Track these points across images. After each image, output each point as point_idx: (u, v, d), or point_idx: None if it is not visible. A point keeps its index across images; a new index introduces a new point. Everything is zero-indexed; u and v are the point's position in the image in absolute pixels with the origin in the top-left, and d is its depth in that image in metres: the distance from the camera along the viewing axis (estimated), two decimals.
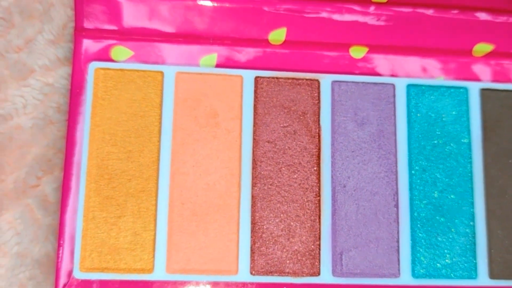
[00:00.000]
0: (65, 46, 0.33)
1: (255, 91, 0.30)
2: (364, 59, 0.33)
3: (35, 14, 0.33)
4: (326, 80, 0.31)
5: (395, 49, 0.33)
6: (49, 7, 0.33)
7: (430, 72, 0.33)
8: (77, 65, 0.31)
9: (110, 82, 0.30)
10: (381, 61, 0.33)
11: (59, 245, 0.29)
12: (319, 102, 0.30)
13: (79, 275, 0.28)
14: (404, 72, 0.33)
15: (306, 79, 0.31)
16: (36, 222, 0.32)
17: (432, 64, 0.33)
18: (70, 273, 0.29)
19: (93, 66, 0.30)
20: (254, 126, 0.30)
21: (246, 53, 0.32)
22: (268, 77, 0.30)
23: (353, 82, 0.31)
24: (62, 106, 0.33)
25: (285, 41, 0.32)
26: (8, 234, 0.32)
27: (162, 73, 0.30)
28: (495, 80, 0.32)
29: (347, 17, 0.32)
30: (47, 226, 0.32)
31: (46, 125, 0.32)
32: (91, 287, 0.28)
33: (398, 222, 0.30)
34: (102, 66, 0.30)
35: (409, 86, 0.31)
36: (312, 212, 0.29)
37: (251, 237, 0.29)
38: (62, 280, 0.29)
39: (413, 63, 0.33)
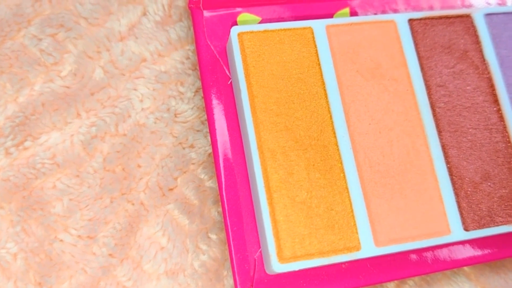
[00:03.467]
0: (176, 26, 0.29)
1: (413, 35, 0.27)
2: None
3: None
4: (478, 14, 0.28)
5: None
6: None
7: None
8: (201, 42, 0.27)
9: (257, 46, 0.26)
10: None
11: (230, 245, 0.25)
12: (477, 38, 0.28)
13: (279, 268, 0.23)
14: None
15: (458, 16, 0.28)
16: (182, 230, 0.27)
17: None
18: (249, 274, 0.24)
19: (236, 30, 0.26)
20: (421, 71, 0.27)
21: (377, 3, 0.29)
22: (421, 18, 0.28)
23: (504, 13, 0.29)
24: (184, 94, 0.28)
25: None
26: (151, 252, 0.26)
27: (311, 28, 0.26)
28: None
29: None
30: (195, 232, 0.27)
31: (171, 118, 0.28)
32: (289, 279, 0.24)
33: None
34: (245, 30, 0.26)
35: None
36: (504, 153, 0.26)
37: (455, 191, 0.25)
38: (244, 284, 0.24)
39: None
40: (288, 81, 0.25)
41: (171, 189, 0.27)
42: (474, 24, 0.28)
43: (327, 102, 0.25)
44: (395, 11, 0.29)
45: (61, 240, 0.26)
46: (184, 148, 0.28)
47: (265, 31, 0.26)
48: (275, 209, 0.24)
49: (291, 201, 0.24)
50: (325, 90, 0.26)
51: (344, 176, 0.25)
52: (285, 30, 0.26)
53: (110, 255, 0.26)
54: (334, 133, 0.25)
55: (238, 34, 0.26)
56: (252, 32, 0.26)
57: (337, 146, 0.25)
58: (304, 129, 0.25)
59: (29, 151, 0.27)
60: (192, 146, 0.28)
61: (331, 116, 0.25)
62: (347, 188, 0.24)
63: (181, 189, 0.27)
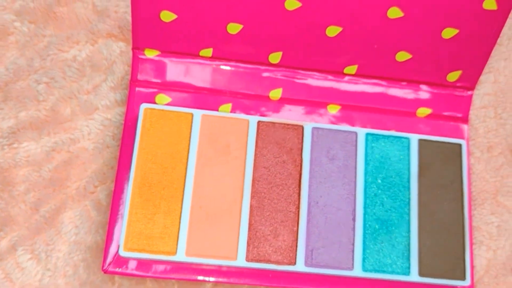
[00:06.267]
0: (122, 92, 0.45)
1: (257, 131, 0.42)
2: (337, 113, 0.45)
3: (102, 67, 0.46)
4: (308, 126, 0.43)
5: (359, 108, 0.45)
6: (112, 63, 0.46)
7: (384, 126, 0.45)
8: (130, 106, 0.43)
9: (154, 118, 0.42)
10: (349, 116, 0.45)
11: (108, 234, 0.41)
12: (302, 142, 0.42)
13: (123, 253, 0.39)
14: (365, 124, 0.45)
15: (294, 125, 0.43)
16: (90, 219, 0.43)
17: (387, 120, 0.45)
18: (114, 254, 0.40)
19: (143, 106, 0.42)
20: (254, 155, 0.42)
21: (253, 105, 0.44)
22: (267, 122, 0.43)
23: (327, 129, 0.43)
24: (116, 135, 0.45)
25: (281, 98, 0.44)
26: (68, 227, 0.43)
27: (192, 114, 0.42)
28: (430, 134, 0.44)
29: (326, 84, 0.44)
30: (98, 222, 0.43)
31: (104, 148, 0.44)
32: (130, 262, 0.39)
33: (354, 231, 0.41)
34: (149, 106, 0.42)
35: (367, 134, 0.43)
36: (292, 219, 0.41)
37: (248, 235, 0.40)
38: (109, 258, 0.40)
39: (372, 118, 0.45)
40: (167, 145, 0.41)
41: (91, 192, 0.44)
42: (303, 132, 0.43)
43: (187, 162, 0.41)
44: (262, 114, 0.44)
45: (19, 207, 0.43)
46: (108, 169, 0.44)
47: (162, 110, 0.42)
48: (131, 219, 0.40)
49: (143, 217, 0.40)
50: (188, 155, 0.41)
51: (181, 209, 0.40)
52: (175, 112, 0.42)
53: (44, 223, 0.43)
54: (184, 182, 0.41)
55: (144, 109, 0.42)
56: (153, 109, 0.42)
57: (183, 190, 0.40)
58: (167, 175, 0.41)
59: (15, 150, 0.44)
60: (112, 168, 0.44)
61: (185, 171, 0.41)
62: (180, 217, 0.40)
63: (97, 194, 0.44)
